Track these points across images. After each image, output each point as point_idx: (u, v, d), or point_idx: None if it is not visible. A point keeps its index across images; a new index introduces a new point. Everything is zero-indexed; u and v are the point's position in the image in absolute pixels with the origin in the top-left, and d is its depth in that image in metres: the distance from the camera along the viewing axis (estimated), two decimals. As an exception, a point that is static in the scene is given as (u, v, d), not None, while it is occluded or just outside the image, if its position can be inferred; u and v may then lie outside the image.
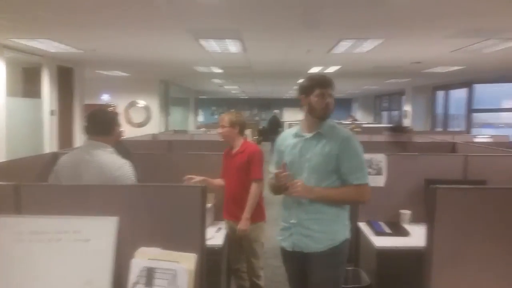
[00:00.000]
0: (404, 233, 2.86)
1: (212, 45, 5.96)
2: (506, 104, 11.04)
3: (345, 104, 22.59)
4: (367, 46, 5.92)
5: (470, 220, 1.78)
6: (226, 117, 3.13)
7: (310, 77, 2.27)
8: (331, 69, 8.73)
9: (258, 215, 3.09)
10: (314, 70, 8.67)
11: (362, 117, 19.52)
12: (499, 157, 3.67)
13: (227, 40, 5.61)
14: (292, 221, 2.24)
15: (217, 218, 3.13)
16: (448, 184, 1.85)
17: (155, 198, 1.64)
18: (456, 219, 1.77)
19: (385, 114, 18.84)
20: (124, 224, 1.53)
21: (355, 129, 8.36)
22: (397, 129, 5.38)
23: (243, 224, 2.98)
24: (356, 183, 2.15)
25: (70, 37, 5.59)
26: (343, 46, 6.00)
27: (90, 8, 4.07)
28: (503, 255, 1.79)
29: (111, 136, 2.41)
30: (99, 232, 1.51)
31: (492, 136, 7.06)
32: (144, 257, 1.43)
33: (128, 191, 1.74)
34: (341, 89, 16.35)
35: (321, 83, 2.21)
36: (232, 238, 3.06)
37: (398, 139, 4.87)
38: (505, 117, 11.28)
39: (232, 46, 6.02)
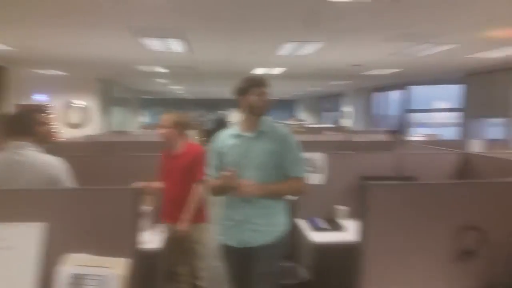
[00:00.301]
0: (341, 228, 2.97)
1: (154, 44, 5.83)
2: (438, 105, 11.79)
3: (289, 105, 23.02)
4: (310, 48, 6.07)
5: (401, 214, 1.87)
6: (168, 118, 3.06)
7: (245, 78, 2.36)
8: (276, 71, 8.85)
9: (201, 216, 3.06)
10: (260, 71, 8.74)
11: (307, 118, 19.98)
12: (431, 155, 3.92)
13: (170, 39, 5.51)
14: (238, 218, 2.30)
15: (158, 221, 3.06)
16: (382, 180, 1.94)
17: (86, 202, 1.57)
18: (388, 214, 1.86)
19: (327, 115, 19.41)
20: (53, 230, 1.45)
21: (298, 130, 8.54)
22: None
23: (183, 225, 2.94)
24: (296, 176, 2.32)
25: (1, 34, 5.23)
26: (287, 49, 6.11)
27: (23, 3, 3.83)
28: (432, 248, 1.90)
29: (34, 137, 2.29)
30: (24, 239, 1.43)
31: (425, 135, 7.50)
32: (72, 264, 1.36)
33: (58, 195, 1.65)
34: (286, 91, 16.64)
35: (257, 82, 2.33)
36: (173, 241, 3.00)
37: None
38: (438, 117, 12.03)
39: (176, 46, 5.93)
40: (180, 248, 3.08)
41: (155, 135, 3.08)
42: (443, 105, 11.35)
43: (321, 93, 17.83)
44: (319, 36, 5.30)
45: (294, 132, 2.69)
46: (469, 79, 8.74)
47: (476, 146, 5.34)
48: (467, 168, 3.60)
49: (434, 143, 5.57)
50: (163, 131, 3.04)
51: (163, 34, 5.22)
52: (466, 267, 1.90)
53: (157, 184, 3.04)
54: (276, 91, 16.78)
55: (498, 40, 5.32)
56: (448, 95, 10.54)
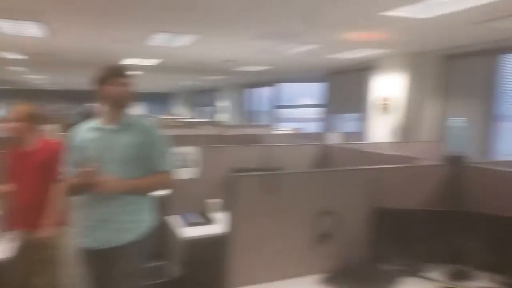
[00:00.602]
0: (214, 221, 3.00)
1: (5, 27, 5.12)
2: (304, 101, 12.80)
3: (165, 99, 22.52)
4: (184, 41, 6.00)
5: (265, 203, 1.97)
6: (19, 110, 2.70)
7: (104, 68, 2.23)
8: (151, 62, 8.57)
9: (60, 219, 2.77)
10: (132, 61, 8.34)
11: (183, 112, 19.80)
12: (295, 147, 4.21)
13: (25, 21, 4.89)
14: (101, 218, 2.15)
15: (7, 229, 2.68)
16: (251, 172, 2.01)
17: None
18: (254, 203, 1.94)
19: (204, 109, 19.52)
20: None
21: (173, 124, 8.42)
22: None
23: (45, 231, 2.64)
24: (162, 169, 2.25)
25: None
26: (159, 39, 5.93)
27: None
28: (295, 233, 2.04)
29: None
30: None
31: (292, 129, 8.05)
32: None
33: None
34: (162, 84, 16.24)
35: (115, 72, 2.21)
36: (27, 249, 2.66)
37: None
38: (303, 112, 13.04)
39: (33, 29, 5.28)
40: (35, 256, 2.75)
41: (4, 129, 2.70)
42: (307, 101, 12.33)
43: (197, 87, 17.82)
44: (194, 29, 5.26)
45: (169, 127, 2.62)
46: (330, 77, 9.62)
47: (334, 138, 5.91)
48: (326, 158, 3.96)
49: (299, 136, 6.01)
50: (12, 125, 2.67)
51: (15, 15, 4.60)
52: (325, 248, 2.09)
53: (4, 187, 2.66)
54: (151, 84, 16.26)
55: (353, 43, 5.95)
56: (312, 92, 11.45)
